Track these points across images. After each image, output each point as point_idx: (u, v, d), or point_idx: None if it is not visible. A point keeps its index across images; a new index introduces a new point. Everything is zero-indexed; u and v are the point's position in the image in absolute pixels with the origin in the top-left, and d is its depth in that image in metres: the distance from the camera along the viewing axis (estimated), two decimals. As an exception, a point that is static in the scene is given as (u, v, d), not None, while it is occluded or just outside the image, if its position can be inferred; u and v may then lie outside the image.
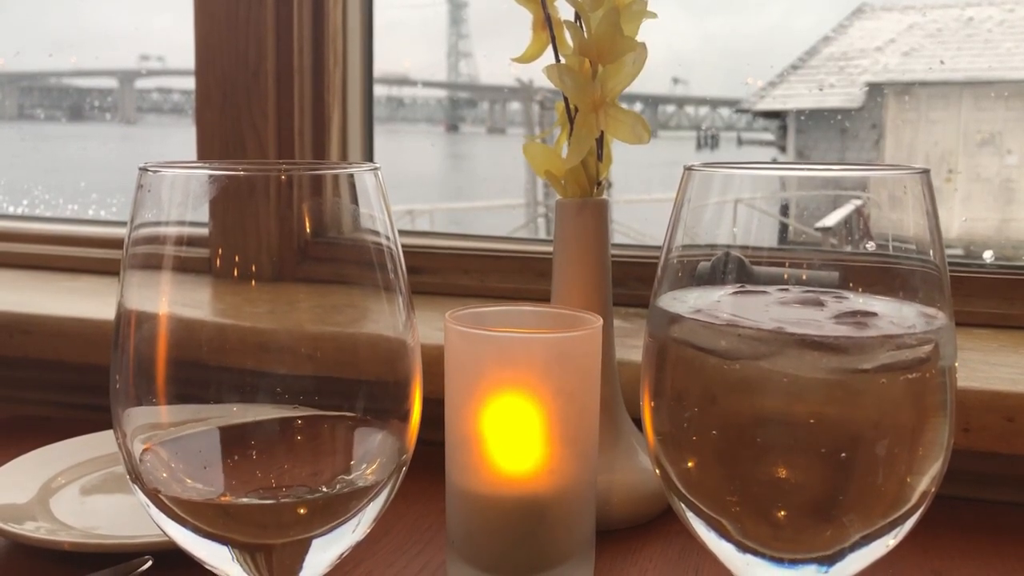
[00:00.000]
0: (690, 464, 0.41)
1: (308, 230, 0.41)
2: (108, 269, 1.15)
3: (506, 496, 0.57)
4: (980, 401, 0.71)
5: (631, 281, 0.95)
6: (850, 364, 0.38)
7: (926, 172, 0.41)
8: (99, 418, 0.65)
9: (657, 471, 0.44)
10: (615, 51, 0.65)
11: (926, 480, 0.40)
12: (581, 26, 0.66)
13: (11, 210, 1.41)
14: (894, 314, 0.40)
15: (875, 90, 2.57)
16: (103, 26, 1.66)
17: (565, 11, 0.68)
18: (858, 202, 0.41)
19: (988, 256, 0.94)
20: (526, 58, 0.70)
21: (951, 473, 0.42)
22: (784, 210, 0.43)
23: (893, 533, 0.40)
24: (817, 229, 0.43)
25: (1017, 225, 2.28)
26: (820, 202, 0.42)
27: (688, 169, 0.43)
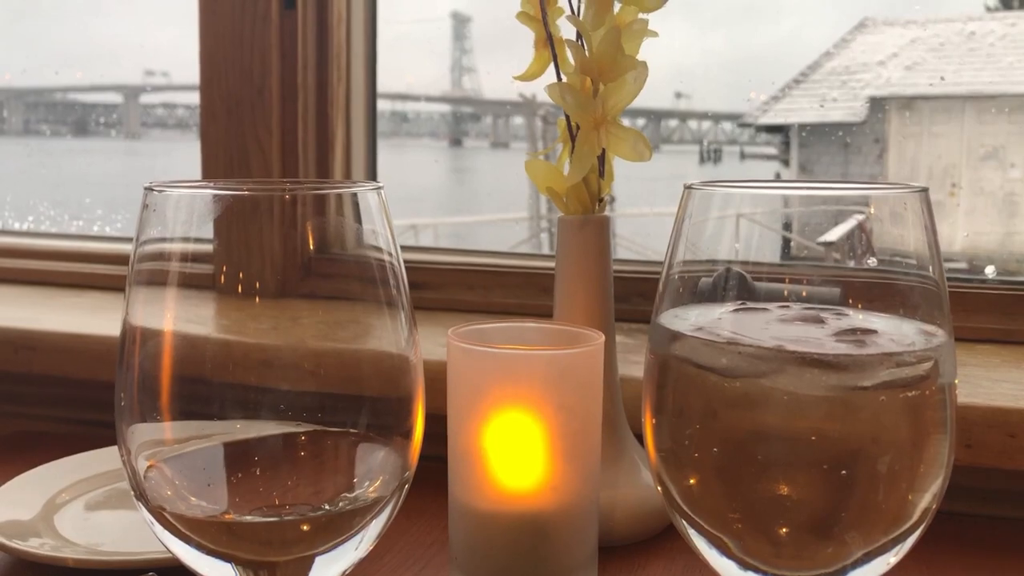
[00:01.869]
0: (691, 481, 0.42)
1: (312, 247, 0.41)
2: (113, 285, 1.15)
3: (508, 512, 0.57)
4: (982, 417, 0.71)
5: (634, 297, 0.95)
6: (850, 382, 0.38)
7: (925, 190, 0.41)
8: (103, 434, 0.65)
9: (659, 488, 0.44)
10: (616, 69, 0.65)
11: (927, 497, 0.40)
12: (582, 45, 0.67)
13: (16, 226, 1.41)
14: (894, 331, 0.41)
15: (877, 104, 2.57)
16: (108, 41, 1.66)
17: (567, 30, 0.69)
18: (860, 216, 0.42)
19: (990, 271, 0.94)
20: (528, 76, 0.71)
21: (953, 489, 0.42)
22: (786, 226, 0.43)
23: (895, 550, 0.40)
24: (819, 243, 0.43)
25: (1020, 239, 2.28)
26: (821, 217, 0.42)
27: (688, 188, 0.44)
